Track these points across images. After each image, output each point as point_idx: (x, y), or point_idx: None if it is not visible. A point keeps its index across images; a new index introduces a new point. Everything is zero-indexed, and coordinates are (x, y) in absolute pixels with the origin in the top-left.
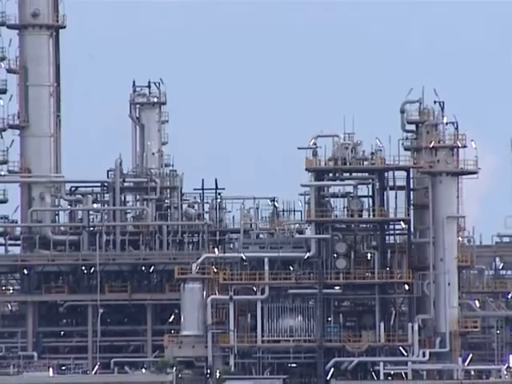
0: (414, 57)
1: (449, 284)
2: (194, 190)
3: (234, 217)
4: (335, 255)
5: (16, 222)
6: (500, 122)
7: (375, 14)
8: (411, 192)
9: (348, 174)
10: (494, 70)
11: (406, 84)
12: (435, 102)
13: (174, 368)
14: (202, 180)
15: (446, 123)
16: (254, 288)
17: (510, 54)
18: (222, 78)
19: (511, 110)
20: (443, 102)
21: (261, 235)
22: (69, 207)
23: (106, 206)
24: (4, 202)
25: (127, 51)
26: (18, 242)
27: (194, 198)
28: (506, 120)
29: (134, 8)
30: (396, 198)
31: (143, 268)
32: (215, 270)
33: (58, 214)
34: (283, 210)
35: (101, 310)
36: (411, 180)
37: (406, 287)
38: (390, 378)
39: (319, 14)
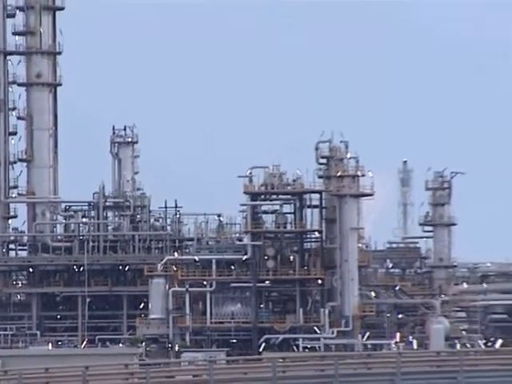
0: (328, 103)
1: (352, 279)
2: (159, 208)
3: (189, 228)
4: (266, 257)
5: (23, 232)
6: (391, 157)
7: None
8: (323, 209)
9: (275, 196)
10: (389, 115)
11: (320, 127)
12: (341, 141)
13: (144, 343)
14: (165, 201)
15: (349, 158)
16: (205, 282)
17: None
18: (177, 120)
19: (400, 150)
20: (347, 142)
21: (209, 242)
22: (64, 221)
23: (92, 220)
24: (15, 217)
25: (108, 103)
26: (25, 248)
27: (159, 214)
28: (396, 155)
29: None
30: (312, 214)
31: (120, 267)
32: (175, 269)
33: (55, 226)
34: (227, 223)
35: (88, 299)
36: (323, 200)
37: (319, 282)
38: (306, 350)
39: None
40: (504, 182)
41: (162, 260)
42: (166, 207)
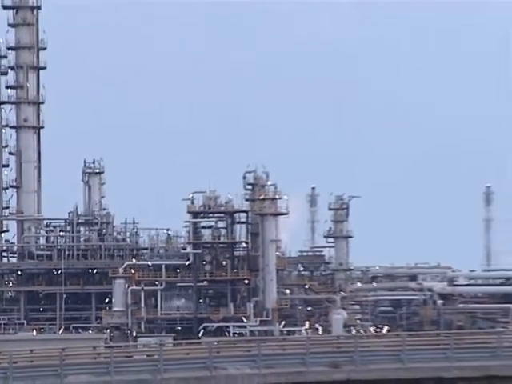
0: (257, 138)
1: (271, 280)
2: (121, 223)
3: (144, 240)
4: (204, 263)
5: (14, 243)
6: (302, 184)
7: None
8: (249, 225)
9: (212, 215)
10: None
11: (247, 160)
12: (263, 172)
13: (108, 330)
14: (125, 218)
15: (270, 185)
16: (156, 282)
17: None
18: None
19: (309, 178)
20: (268, 172)
21: (160, 251)
22: (45, 234)
23: (67, 233)
24: (7, 231)
25: (80, 142)
26: (15, 255)
27: (121, 228)
28: (305, 182)
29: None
30: (240, 228)
31: (90, 270)
32: (133, 272)
33: (39, 239)
34: (174, 236)
35: (64, 296)
36: (249, 218)
37: (246, 282)
38: (236, 335)
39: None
40: (390, 203)
41: (122, 265)
42: (126, 223)
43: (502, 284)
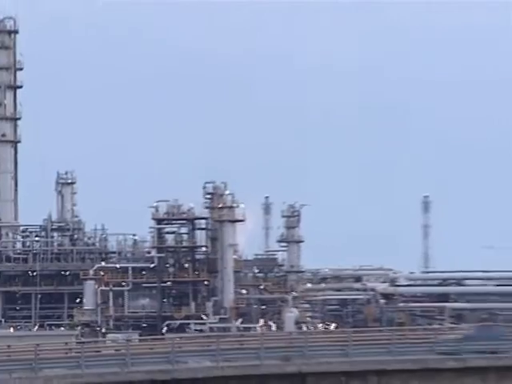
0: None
1: (229, 281)
2: (91, 229)
3: (112, 244)
4: (167, 265)
5: None
6: (257, 193)
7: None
8: (209, 231)
9: (175, 221)
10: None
11: (207, 171)
12: (222, 182)
13: (79, 327)
14: (95, 224)
15: (227, 194)
16: (124, 283)
17: None
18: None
19: (263, 189)
20: (226, 182)
21: (127, 254)
22: (22, 239)
23: (42, 238)
24: None
25: (54, 154)
26: None
27: (91, 234)
28: (260, 192)
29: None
30: (200, 234)
31: (63, 272)
32: (102, 274)
33: (15, 243)
34: (140, 241)
35: (39, 296)
36: (209, 225)
37: (206, 283)
38: (197, 331)
39: None
40: (338, 209)
41: (93, 267)
42: (95, 229)
43: (438, 285)
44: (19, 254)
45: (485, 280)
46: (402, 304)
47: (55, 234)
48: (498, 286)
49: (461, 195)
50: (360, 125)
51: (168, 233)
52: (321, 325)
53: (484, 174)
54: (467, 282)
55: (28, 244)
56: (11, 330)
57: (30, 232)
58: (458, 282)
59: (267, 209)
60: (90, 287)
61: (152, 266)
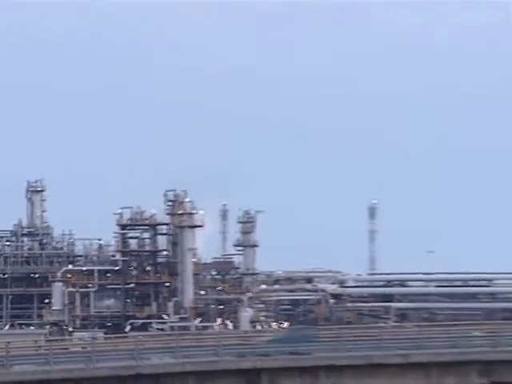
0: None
1: (188, 282)
2: (59, 234)
3: (79, 248)
4: (131, 268)
5: None
6: (215, 200)
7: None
8: (170, 236)
9: (138, 227)
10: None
11: (169, 179)
12: (182, 191)
13: (48, 326)
14: (63, 230)
15: (187, 201)
16: (90, 285)
17: None
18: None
19: (221, 196)
20: (186, 190)
21: (93, 258)
22: None
23: (13, 242)
24: None
25: (23, 165)
26: None
27: (59, 239)
28: (218, 199)
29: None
30: (162, 239)
31: (32, 275)
32: (70, 276)
33: None
34: (105, 245)
35: (10, 297)
36: (170, 230)
37: (167, 284)
38: (158, 330)
39: None
40: (291, 215)
41: (61, 270)
42: (63, 234)
43: (384, 286)
44: None
45: (426, 281)
46: (350, 304)
47: (25, 239)
48: (438, 287)
49: (405, 202)
50: (310, 132)
51: (131, 238)
52: (274, 324)
53: (427, 183)
54: (410, 283)
55: (0, 248)
56: None
57: (1, 237)
58: (402, 283)
59: (224, 215)
60: (58, 289)
61: (116, 268)
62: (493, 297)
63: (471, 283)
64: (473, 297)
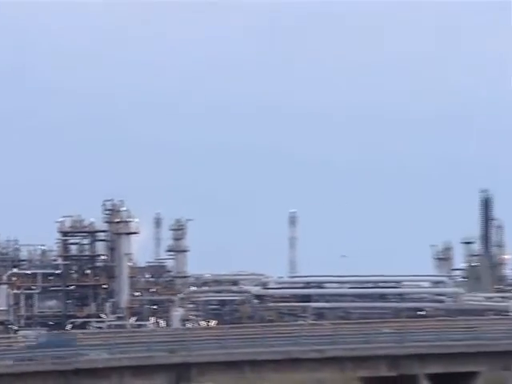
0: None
1: (125, 285)
2: (5, 240)
3: (24, 253)
4: (71, 271)
5: None
6: (149, 210)
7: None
8: (108, 242)
9: (78, 234)
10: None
11: (107, 189)
12: (119, 200)
13: None
14: (8, 236)
15: (124, 210)
16: (33, 287)
17: None
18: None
19: (155, 205)
20: (123, 200)
21: (37, 262)
22: None
23: None
24: None
25: None
26: None
27: (5, 244)
28: (152, 209)
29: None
30: (101, 244)
31: None
32: (15, 279)
33: None
34: (48, 250)
35: None
36: (108, 236)
37: (105, 286)
38: (96, 328)
39: None
40: (218, 222)
41: (6, 273)
42: (8, 240)
43: (303, 287)
44: None
45: (341, 283)
46: (271, 304)
47: None
48: (351, 288)
49: (322, 212)
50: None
51: (72, 244)
52: (203, 322)
53: (343, 193)
54: (326, 285)
55: None
56: None
57: None
58: (319, 285)
59: (158, 223)
60: (3, 291)
61: (58, 272)
62: (400, 297)
63: (381, 285)
64: (382, 297)
